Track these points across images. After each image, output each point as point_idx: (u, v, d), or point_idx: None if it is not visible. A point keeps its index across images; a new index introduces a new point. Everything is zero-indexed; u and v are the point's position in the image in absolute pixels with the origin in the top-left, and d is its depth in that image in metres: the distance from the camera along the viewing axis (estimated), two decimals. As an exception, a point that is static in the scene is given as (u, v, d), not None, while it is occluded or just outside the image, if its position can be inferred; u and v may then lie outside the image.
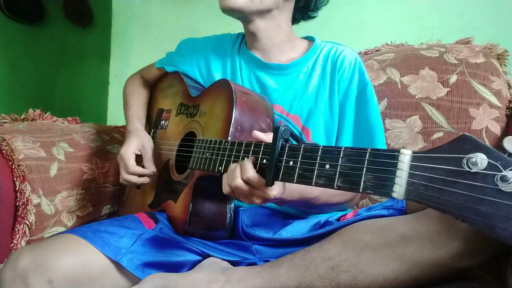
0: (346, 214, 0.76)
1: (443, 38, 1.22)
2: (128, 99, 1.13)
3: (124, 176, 0.93)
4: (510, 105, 1.04)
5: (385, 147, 0.88)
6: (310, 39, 0.98)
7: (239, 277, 0.64)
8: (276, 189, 0.62)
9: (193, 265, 0.72)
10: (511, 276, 0.54)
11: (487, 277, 0.63)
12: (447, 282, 0.56)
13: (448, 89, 1.06)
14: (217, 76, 0.99)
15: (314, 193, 0.76)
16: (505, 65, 1.09)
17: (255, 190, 0.62)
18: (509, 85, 1.07)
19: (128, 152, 0.93)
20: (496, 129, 1.02)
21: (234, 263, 0.73)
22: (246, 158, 0.64)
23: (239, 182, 0.62)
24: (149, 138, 1.00)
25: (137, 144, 0.96)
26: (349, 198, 0.86)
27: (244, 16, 0.88)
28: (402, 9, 1.59)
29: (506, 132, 1.02)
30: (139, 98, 1.13)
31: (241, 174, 0.62)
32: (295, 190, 0.69)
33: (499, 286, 0.61)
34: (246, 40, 0.97)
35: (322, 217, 0.80)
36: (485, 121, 1.02)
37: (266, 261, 0.70)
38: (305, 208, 0.86)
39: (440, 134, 1.05)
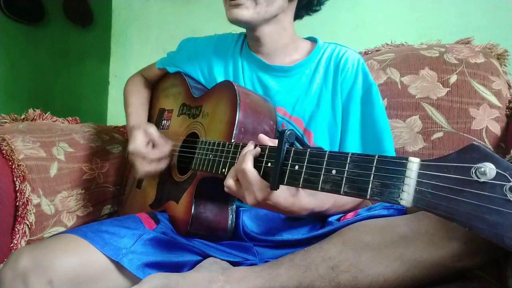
0: (346, 214, 0.76)
1: (443, 38, 1.22)
2: (128, 98, 1.12)
3: (145, 168, 0.89)
4: (510, 105, 1.04)
5: (393, 149, 0.87)
6: (313, 40, 0.98)
7: (239, 277, 0.64)
8: (282, 196, 0.63)
9: (193, 265, 0.72)
10: (511, 276, 0.54)
11: (487, 277, 0.63)
12: (447, 282, 0.56)
13: (448, 89, 1.06)
14: (219, 77, 0.99)
15: (325, 206, 0.75)
16: (505, 65, 1.09)
17: (252, 186, 0.62)
18: (509, 85, 1.07)
19: (138, 145, 0.90)
20: (496, 129, 1.02)
21: (234, 264, 0.73)
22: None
23: (232, 174, 0.65)
24: (149, 124, 0.96)
25: (141, 134, 0.92)
26: (359, 202, 0.84)
27: (251, 26, 0.89)
28: (402, 9, 1.59)
29: (506, 132, 1.02)
30: (138, 97, 1.13)
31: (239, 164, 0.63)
32: (304, 206, 0.68)
33: (499, 286, 0.61)
34: (250, 44, 0.97)
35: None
36: (485, 121, 1.02)
37: (267, 262, 0.70)
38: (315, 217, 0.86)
39: (440, 134, 1.05)
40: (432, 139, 1.06)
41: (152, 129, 0.92)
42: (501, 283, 0.60)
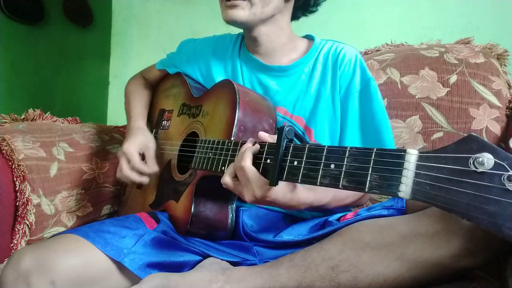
0: (346, 214, 0.76)
1: (443, 38, 1.22)
2: (131, 98, 1.13)
3: (125, 171, 0.92)
4: (510, 105, 1.04)
5: (393, 142, 0.87)
6: (310, 38, 0.98)
7: (239, 277, 0.64)
8: (281, 192, 0.62)
9: (194, 265, 0.72)
10: (511, 276, 0.54)
11: (487, 277, 0.63)
12: (447, 282, 0.56)
13: (448, 89, 1.06)
14: (218, 78, 0.99)
15: (324, 200, 0.75)
16: (505, 65, 1.10)
17: (251, 183, 0.62)
18: (509, 85, 1.07)
19: (131, 149, 0.93)
20: (496, 129, 1.02)
21: (234, 264, 0.73)
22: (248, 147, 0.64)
23: (230, 171, 0.65)
24: (152, 138, 1.00)
25: (141, 142, 0.96)
26: (360, 196, 0.85)
27: (247, 26, 0.88)
28: (402, 9, 1.59)
29: (506, 132, 1.02)
30: (141, 98, 1.13)
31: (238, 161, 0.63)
32: (302, 201, 0.68)
33: (499, 286, 0.61)
34: (247, 44, 0.97)
35: (322, 218, 0.80)
36: (485, 121, 1.02)
37: (267, 262, 0.70)
38: (316, 211, 0.86)
39: (440, 134, 1.05)
40: (432, 139, 1.06)
41: (152, 146, 0.97)
42: (501, 283, 0.60)
